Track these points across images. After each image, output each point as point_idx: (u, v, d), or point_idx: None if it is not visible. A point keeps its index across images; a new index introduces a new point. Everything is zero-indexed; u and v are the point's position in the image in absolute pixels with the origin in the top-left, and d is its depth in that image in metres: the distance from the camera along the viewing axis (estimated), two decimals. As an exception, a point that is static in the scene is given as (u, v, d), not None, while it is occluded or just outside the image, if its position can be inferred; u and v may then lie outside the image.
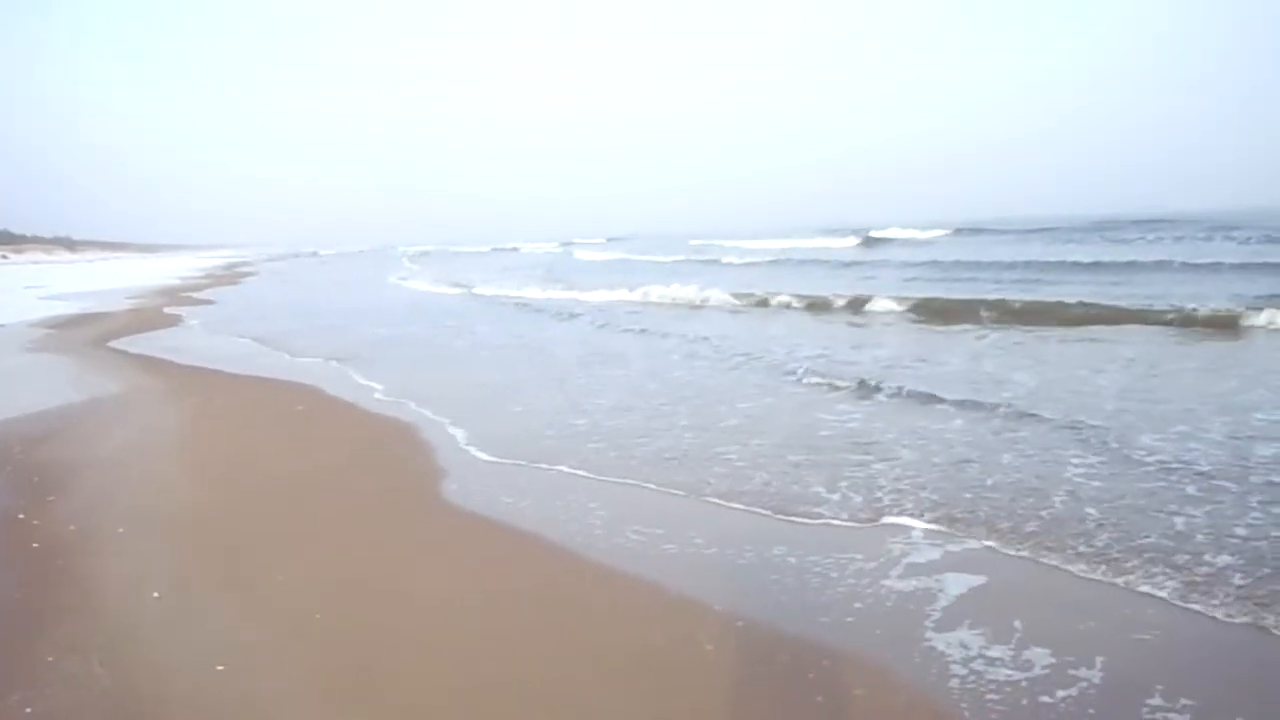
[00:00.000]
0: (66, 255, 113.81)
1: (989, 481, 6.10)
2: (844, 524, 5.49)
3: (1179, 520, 5.21)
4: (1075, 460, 6.48)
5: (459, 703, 3.60)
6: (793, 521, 5.58)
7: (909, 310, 17.48)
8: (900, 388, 9.28)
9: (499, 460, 7.17)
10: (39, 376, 12.29)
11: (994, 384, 9.56)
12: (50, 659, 3.96)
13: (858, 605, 4.38)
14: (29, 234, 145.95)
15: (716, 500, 6.03)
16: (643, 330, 16.01)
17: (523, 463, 7.02)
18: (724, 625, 4.25)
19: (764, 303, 20.12)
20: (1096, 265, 23.95)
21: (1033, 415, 7.79)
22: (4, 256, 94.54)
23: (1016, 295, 17.82)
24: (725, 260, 37.57)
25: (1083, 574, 4.63)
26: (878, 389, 9.32)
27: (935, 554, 4.95)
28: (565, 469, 6.82)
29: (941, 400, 8.61)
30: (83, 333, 18.16)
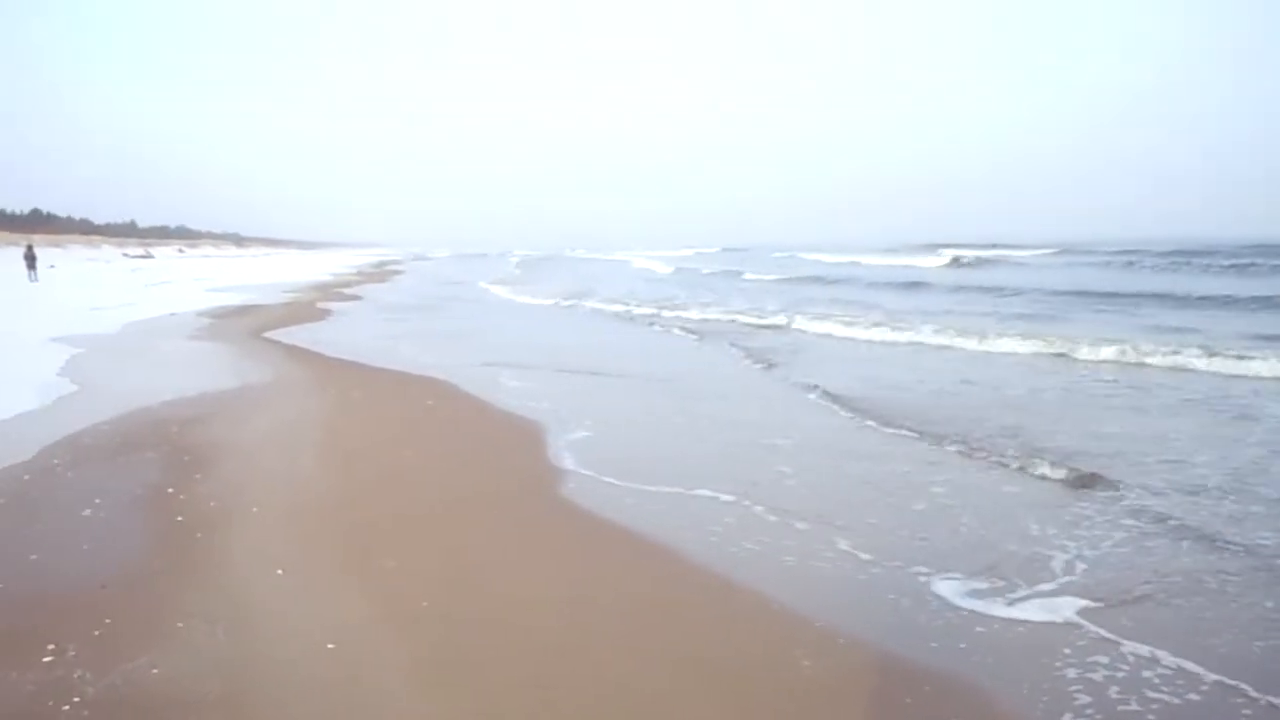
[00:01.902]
0: (234, 250, 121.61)
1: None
2: (972, 561, 5.35)
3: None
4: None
5: (549, 700, 3.69)
6: (915, 548, 5.47)
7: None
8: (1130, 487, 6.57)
9: (618, 465, 7.28)
10: (200, 363, 13.17)
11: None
12: (179, 625, 4.27)
13: (974, 635, 4.29)
14: (203, 230, 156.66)
15: (839, 525, 5.94)
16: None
17: (643, 474, 7.06)
18: (823, 642, 4.23)
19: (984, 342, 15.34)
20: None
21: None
22: (180, 250, 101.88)
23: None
24: (829, 278, 36.64)
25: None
26: (1097, 484, 6.66)
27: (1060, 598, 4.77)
28: (688, 487, 6.79)
29: (1227, 543, 5.46)
30: (242, 323, 19.37)
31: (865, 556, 5.27)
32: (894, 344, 16.13)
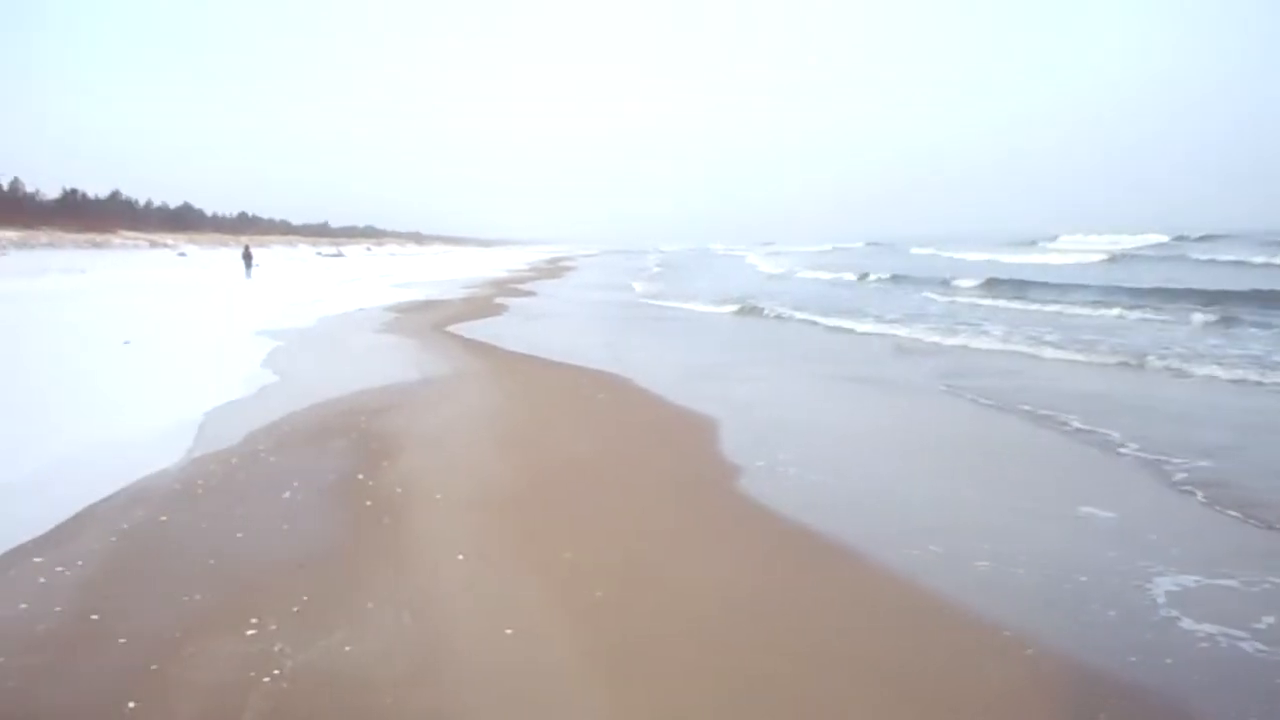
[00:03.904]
0: (415, 248, 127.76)
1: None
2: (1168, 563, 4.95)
3: None
4: None
5: (719, 695, 3.64)
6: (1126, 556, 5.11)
7: None
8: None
9: (795, 464, 7.17)
10: (385, 355, 13.85)
11: None
12: (370, 605, 4.46)
13: (1188, 652, 3.99)
14: (388, 229, 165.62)
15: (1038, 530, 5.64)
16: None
17: (821, 470, 6.94)
18: (1010, 650, 4.03)
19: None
20: None
21: None
22: (368, 249, 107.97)
23: None
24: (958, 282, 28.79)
25: None
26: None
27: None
28: (871, 488, 6.62)
29: None
30: (424, 317, 20.28)
31: (1066, 563, 4.97)
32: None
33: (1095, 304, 20.57)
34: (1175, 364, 12.01)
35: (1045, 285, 25.75)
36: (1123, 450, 7.47)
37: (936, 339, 15.55)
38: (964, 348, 14.21)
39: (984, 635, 4.19)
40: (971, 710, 3.57)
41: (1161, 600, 4.49)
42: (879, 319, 18.78)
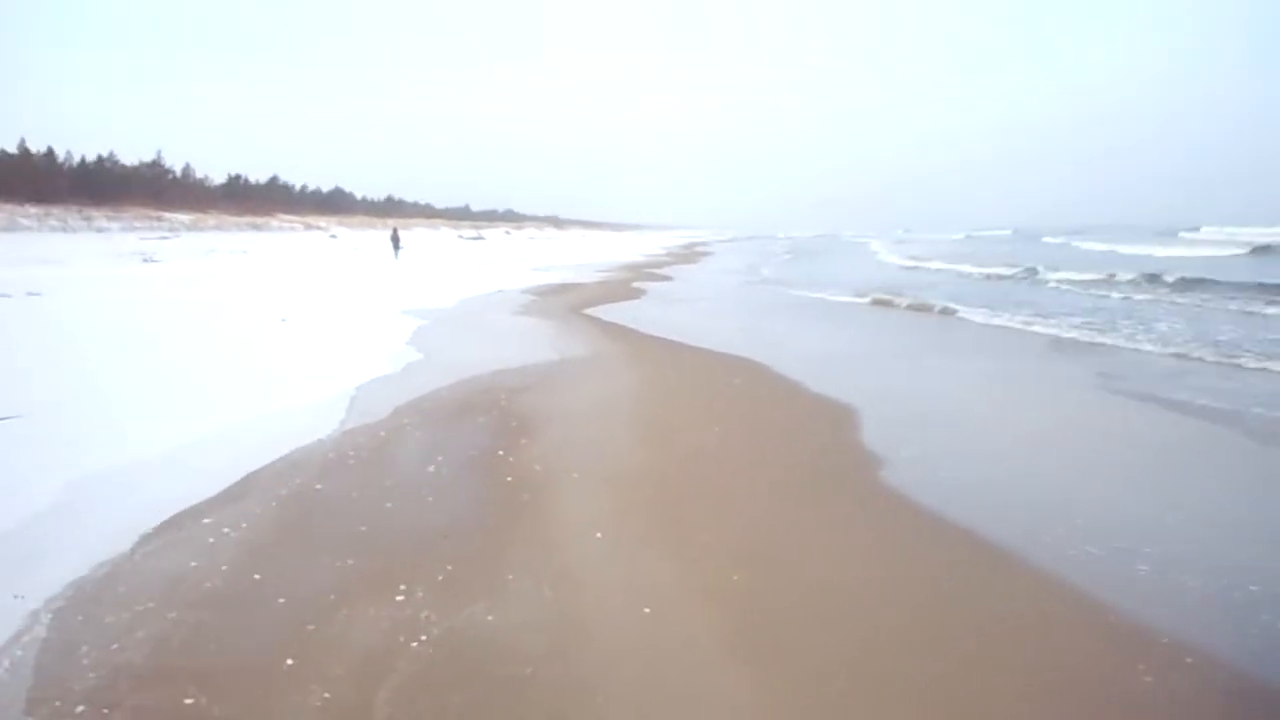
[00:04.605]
0: (553, 232, 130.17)
1: None
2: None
3: None
4: None
5: (857, 690, 3.57)
6: None
7: None
8: None
9: (947, 456, 6.97)
10: (524, 336, 14.14)
11: None
12: (511, 577, 4.56)
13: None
14: (527, 213, 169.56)
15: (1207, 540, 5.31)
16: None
17: (976, 468, 6.70)
18: (1169, 659, 3.80)
19: None
20: None
21: None
22: (506, 232, 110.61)
23: None
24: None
25: None
26: None
27: None
28: (1020, 481, 6.39)
29: None
30: (560, 300, 20.63)
31: (1236, 571, 4.67)
32: None
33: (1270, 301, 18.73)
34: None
35: (1213, 282, 22.82)
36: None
37: (1094, 336, 14.32)
38: (1126, 347, 13.18)
39: (1140, 642, 3.96)
40: (1127, 716, 3.39)
41: (1347, 614, 4.15)
42: (1030, 312, 17.76)
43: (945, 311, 18.42)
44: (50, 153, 79.21)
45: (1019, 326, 15.92)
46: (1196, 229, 62.84)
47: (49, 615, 4.07)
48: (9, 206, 60.72)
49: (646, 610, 4.23)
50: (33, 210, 61.98)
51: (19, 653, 3.74)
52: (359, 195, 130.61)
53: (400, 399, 8.65)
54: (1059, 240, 56.81)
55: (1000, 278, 28.94)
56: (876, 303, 20.78)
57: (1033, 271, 29.13)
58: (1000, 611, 4.30)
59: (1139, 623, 4.13)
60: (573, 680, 3.62)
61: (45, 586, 4.34)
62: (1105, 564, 4.81)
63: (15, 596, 4.22)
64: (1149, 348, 12.74)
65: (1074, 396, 9.62)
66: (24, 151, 76.69)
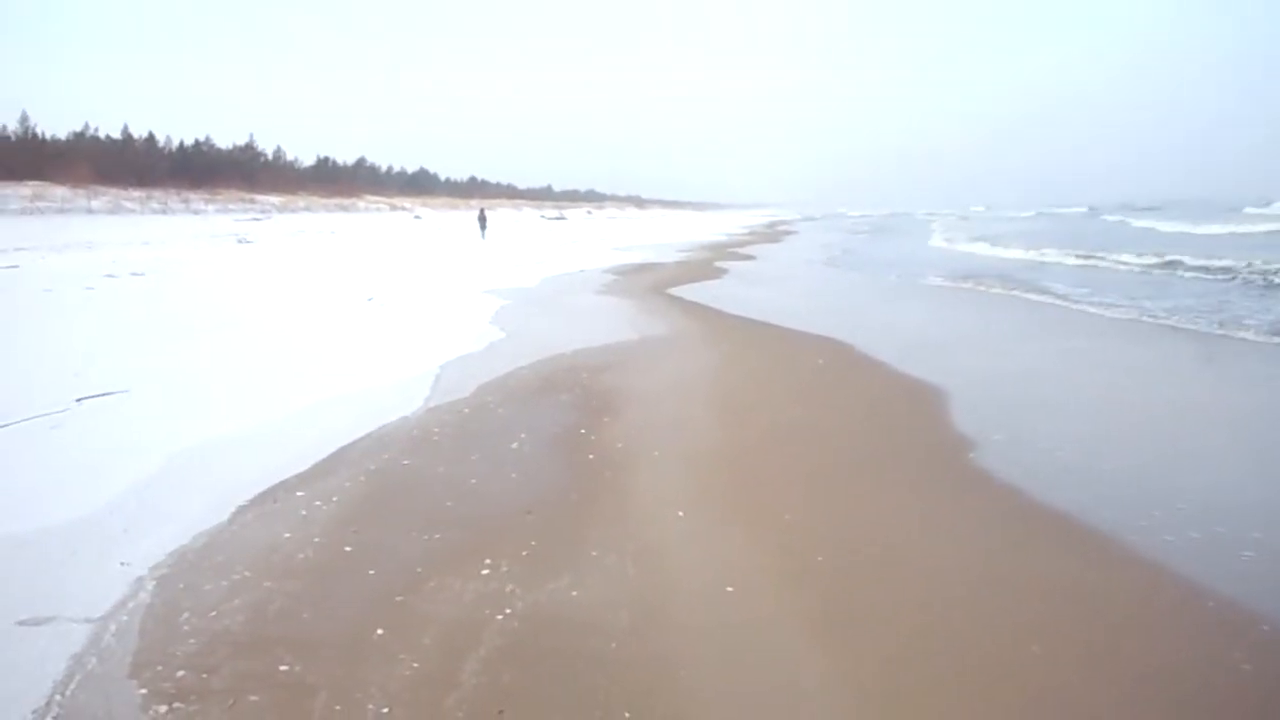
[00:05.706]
0: (634, 211, 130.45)
1: None
2: None
3: None
4: None
5: (944, 676, 3.50)
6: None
7: None
8: None
9: (1042, 439, 6.79)
10: (605, 315, 14.19)
11: None
12: (594, 554, 4.58)
13: None
14: (609, 193, 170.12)
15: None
16: None
17: (1072, 451, 6.49)
18: (1268, 646, 3.66)
19: None
20: None
21: None
22: (588, 212, 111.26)
23: None
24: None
25: None
26: None
27: None
28: (1118, 464, 6.17)
29: None
30: (641, 279, 20.64)
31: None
32: None
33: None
34: None
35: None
36: None
37: (1196, 322, 13.08)
38: (1231, 335, 12.29)
39: (1240, 628, 3.81)
40: (1225, 703, 3.29)
41: None
42: (1118, 294, 16.93)
43: (1037, 291, 17.76)
44: (151, 138, 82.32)
45: (1123, 312, 15.01)
46: (1268, 204, 59.82)
47: (153, 583, 4.24)
48: (114, 190, 63.40)
49: (729, 589, 4.21)
50: (135, 194, 64.48)
51: (124, 618, 3.90)
52: (443, 176, 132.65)
53: (484, 377, 8.76)
54: (1140, 221, 53.83)
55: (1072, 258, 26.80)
56: (965, 282, 20.12)
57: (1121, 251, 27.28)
58: (1096, 597, 4.16)
59: (1239, 609, 3.97)
60: (655, 657, 3.62)
61: (149, 555, 4.52)
62: (1207, 549, 4.62)
63: (122, 564, 4.40)
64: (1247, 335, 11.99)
65: (1171, 381, 9.25)
66: (127, 137, 79.86)
